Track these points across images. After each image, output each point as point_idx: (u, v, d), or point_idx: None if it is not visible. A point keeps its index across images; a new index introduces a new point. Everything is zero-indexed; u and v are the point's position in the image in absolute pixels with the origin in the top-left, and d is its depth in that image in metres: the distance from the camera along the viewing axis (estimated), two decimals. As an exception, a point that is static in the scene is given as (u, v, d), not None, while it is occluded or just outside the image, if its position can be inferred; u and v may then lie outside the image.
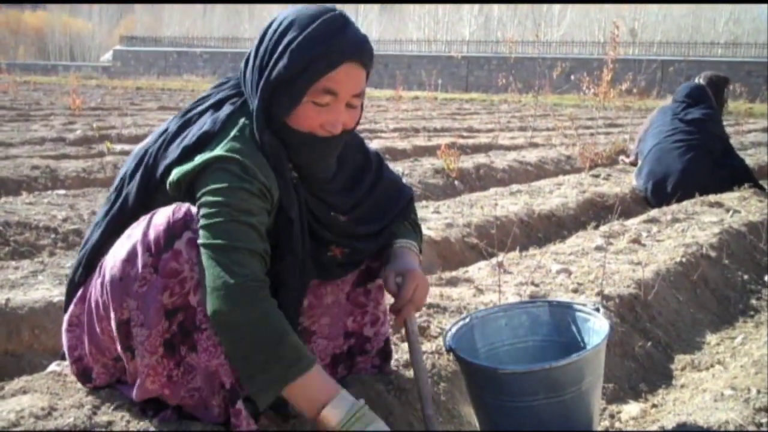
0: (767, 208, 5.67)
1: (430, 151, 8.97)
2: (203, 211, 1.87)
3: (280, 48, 1.94)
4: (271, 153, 1.97)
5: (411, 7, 65.41)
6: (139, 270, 1.86)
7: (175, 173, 1.92)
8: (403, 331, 2.42)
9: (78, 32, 74.31)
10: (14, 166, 6.15)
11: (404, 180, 6.48)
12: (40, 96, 19.22)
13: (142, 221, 1.93)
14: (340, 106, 1.99)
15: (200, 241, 1.86)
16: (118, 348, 1.96)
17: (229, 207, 1.86)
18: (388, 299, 2.34)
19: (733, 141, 7.40)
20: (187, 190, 1.93)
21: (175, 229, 1.87)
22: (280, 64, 1.93)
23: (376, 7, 69.72)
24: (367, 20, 68.02)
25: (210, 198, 1.87)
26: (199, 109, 2.06)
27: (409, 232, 2.33)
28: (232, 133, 1.95)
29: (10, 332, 2.83)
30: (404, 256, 2.25)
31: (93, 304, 2.00)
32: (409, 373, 2.52)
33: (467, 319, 2.44)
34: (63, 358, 2.27)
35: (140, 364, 1.92)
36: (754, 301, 4.13)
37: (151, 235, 1.88)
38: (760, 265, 4.66)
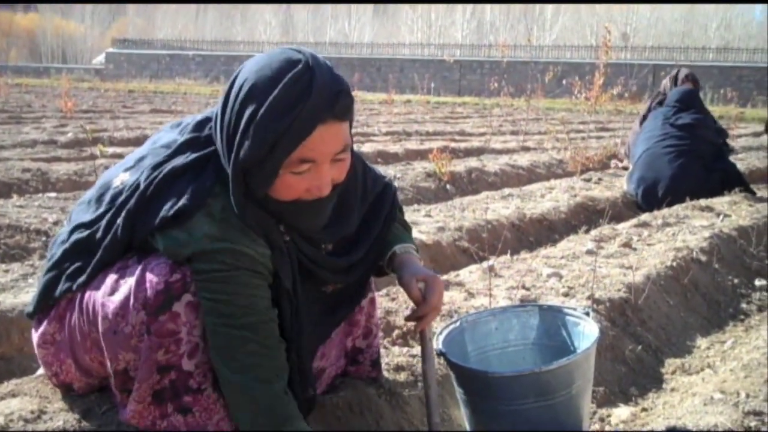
0: (757, 212, 5.69)
1: (422, 154, 8.97)
2: (203, 294, 1.81)
3: (243, 123, 1.75)
4: (257, 228, 1.85)
5: (404, 11, 65.50)
6: (134, 327, 1.82)
7: (164, 250, 1.83)
8: (418, 337, 2.37)
9: (70, 35, 74.16)
10: (5, 169, 6.13)
11: (396, 183, 6.51)
12: (32, 98, 19.18)
13: (134, 267, 1.86)
14: (322, 168, 1.82)
15: (215, 351, 1.83)
16: (114, 389, 1.94)
17: (228, 293, 1.81)
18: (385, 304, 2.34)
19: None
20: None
21: (173, 290, 1.81)
22: (246, 145, 1.75)
23: (369, 9, 69.74)
24: (359, 24, 68.07)
25: (209, 284, 1.81)
26: (176, 167, 1.87)
27: (404, 234, 2.27)
28: (217, 214, 1.81)
29: (0, 335, 2.82)
30: (413, 261, 2.19)
31: (78, 335, 1.95)
32: (400, 376, 2.52)
33: (458, 323, 2.44)
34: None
35: (129, 407, 1.90)
36: (744, 305, 4.14)
37: (148, 291, 1.80)
38: (751, 269, 4.68)
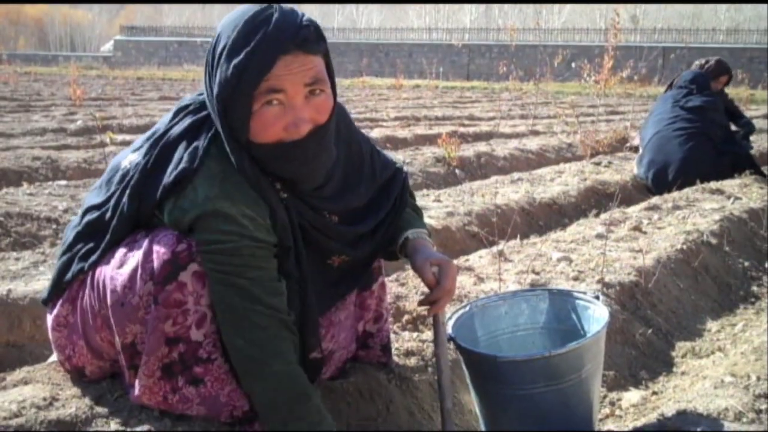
0: (768, 195, 5.66)
1: (431, 139, 8.96)
2: (210, 266, 1.83)
3: (215, 62, 1.83)
4: (255, 184, 1.87)
5: (411, -5, 65.17)
6: (141, 298, 1.84)
7: (168, 220, 1.86)
8: (431, 320, 2.35)
9: (78, 22, 74.21)
10: (15, 157, 6.14)
11: (405, 168, 6.50)
12: (41, 87, 19.21)
13: (142, 241, 1.88)
14: (296, 102, 1.82)
15: (219, 297, 1.84)
16: (123, 365, 1.96)
17: (235, 266, 1.82)
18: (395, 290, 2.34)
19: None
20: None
21: (179, 260, 1.82)
22: (218, 79, 1.81)
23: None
24: (367, 9, 67.85)
25: (214, 256, 1.82)
26: (172, 135, 1.91)
27: (416, 220, 2.25)
28: (216, 175, 1.84)
29: (12, 323, 2.83)
30: (427, 246, 2.18)
31: (89, 314, 1.97)
32: (410, 361, 2.53)
33: (467, 308, 2.44)
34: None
35: (138, 383, 1.92)
36: (754, 288, 4.13)
37: (155, 263, 1.82)
38: (761, 251, 4.66)
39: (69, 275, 2.00)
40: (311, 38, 1.82)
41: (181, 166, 1.83)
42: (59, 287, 2.05)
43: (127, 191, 1.90)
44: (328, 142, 1.94)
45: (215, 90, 1.83)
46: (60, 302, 2.06)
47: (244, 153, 1.86)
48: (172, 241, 1.83)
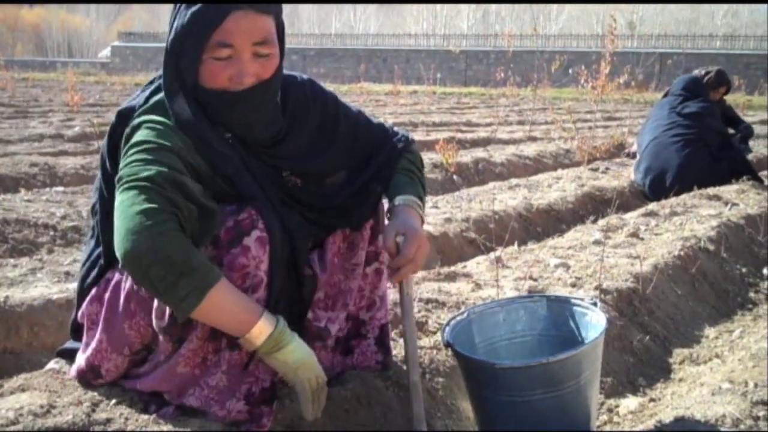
0: (766, 201, 5.67)
1: (428, 145, 8.95)
2: (125, 158, 1.87)
3: (177, 8, 1.94)
4: (183, 120, 1.93)
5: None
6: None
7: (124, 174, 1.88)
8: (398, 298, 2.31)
9: (76, 29, 74.22)
10: (12, 164, 6.14)
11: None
12: (39, 93, 19.22)
13: None
14: (243, 56, 1.92)
15: (118, 181, 1.85)
16: (166, 340, 1.96)
17: (146, 152, 1.86)
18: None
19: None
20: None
21: (243, 226, 1.90)
22: (176, 23, 1.93)
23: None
24: (365, 15, 67.94)
25: (132, 149, 1.87)
26: (128, 106, 2.06)
27: (409, 185, 2.24)
28: (152, 102, 1.98)
29: (9, 330, 2.83)
30: (405, 213, 2.16)
31: (122, 300, 2.00)
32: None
33: (465, 314, 2.44)
34: (60, 355, 2.27)
35: (184, 349, 1.95)
36: (752, 294, 4.14)
37: (221, 232, 1.90)
38: (759, 258, 4.67)
39: (95, 272, 2.09)
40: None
41: (131, 103, 2.03)
42: (82, 294, 2.13)
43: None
44: (271, 97, 2.02)
45: (172, 34, 1.94)
46: (86, 302, 2.11)
47: (191, 98, 1.95)
48: (234, 211, 1.93)
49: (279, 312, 1.94)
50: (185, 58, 1.93)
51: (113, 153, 2.01)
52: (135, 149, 1.86)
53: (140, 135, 1.89)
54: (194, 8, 1.88)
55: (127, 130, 1.94)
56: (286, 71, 2.13)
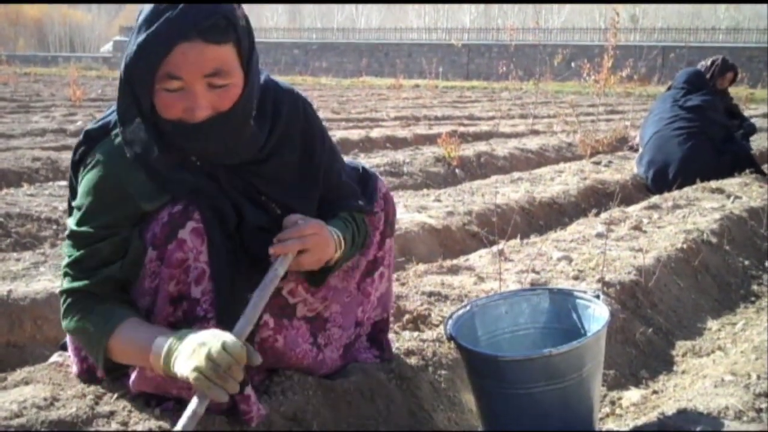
0: (768, 194, 5.66)
1: (431, 139, 8.96)
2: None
3: (132, 33, 1.84)
4: (135, 151, 1.88)
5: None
6: (147, 265, 1.90)
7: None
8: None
9: (77, 23, 74.17)
10: (15, 158, 6.15)
11: (404, 169, 6.53)
12: (41, 87, 19.22)
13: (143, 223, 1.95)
14: (194, 89, 1.80)
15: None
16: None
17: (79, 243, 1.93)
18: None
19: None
20: None
21: (176, 219, 1.88)
22: (127, 52, 1.82)
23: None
24: (367, 9, 67.86)
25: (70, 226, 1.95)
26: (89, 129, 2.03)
27: (340, 226, 2.09)
28: (113, 133, 1.94)
29: (12, 323, 2.83)
30: (321, 223, 2.01)
31: None
32: (411, 360, 2.53)
33: (468, 307, 2.45)
34: (63, 348, 2.27)
35: None
36: (755, 287, 4.13)
37: (156, 228, 1.89)
38: (761, 250, 4.66)
39: None
40: (217, 28, 1.78)
41: (87, 127, 2.02)
42: None
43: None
44: (234, 127, 1.89)
45: (122, 63, 1.84)
46: None
47: (150, 124, 1.87)
48: (168, 207, 1.90)
49: (238, 300, 1.89)
50: (138, 87, 1.83)
51: (76, 167, 2.01)
52: (70, 237, 1.94)
53: (80, 197, 1.93)
54: (140, 38, 1.76)
55: (82, 166, 1.96)
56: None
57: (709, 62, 7.28)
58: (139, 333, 1.84)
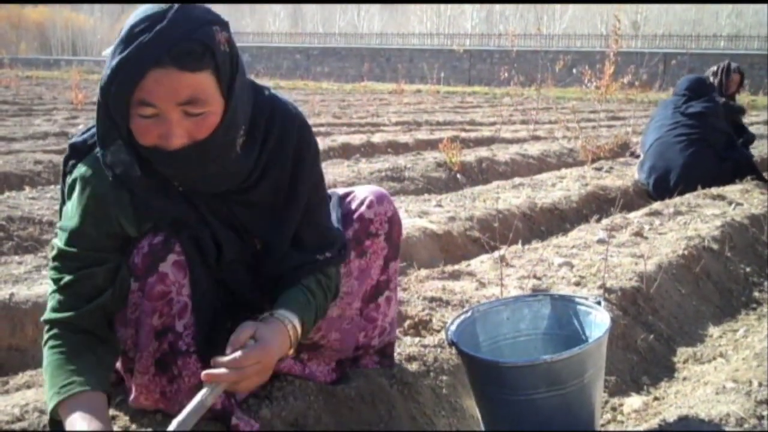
0: (769, 201, 5.67)
1: (432, 144, 8.97)
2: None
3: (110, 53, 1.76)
4: (116, 174, 1.83)
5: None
6: (129, 296, 1.88)
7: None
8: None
9: (80, 27, 74.28)
10: (17, 161, 6.16)
11: (406, 174, 6.53)
12: (43, 91, 19.24)
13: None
14: (169, 116, 1.71)
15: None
16: (121, 369, 2.01)
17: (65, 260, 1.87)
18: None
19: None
20: None
21: (157, 252, 1.85)
22: (103, 73, 1.74)
23: None
24: (369, 14, 67.95)
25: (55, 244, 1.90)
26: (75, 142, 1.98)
27: (299, 304, 1.94)
28: (88, 156, 1.89)
29: (14, 327, 2.83)
30: (275, 329, 1.84)
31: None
32: (412, 366, 2.53)
33: (469, 313, 2.45)
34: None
35: (135, 382, 1.94)
36: (756, 294, 4.13)
37: (137, 258, 1.86)
38: (763, 257, 4.66)
39: None
40: (193, 54, 1.68)
41: (73, 140, 1.96)
42: None
43: None
44: (214, 156, 1.82)
45: (99, 84, 1.77)
46: None
47: (130, 146, 1.81)
48: (149, 236, 1.86)
49: (220, 333, 1.85)
50: (114, 111, 1.75)
51: (65, 179, 1.98)
52: (59, 258, 1.88)
53: (68, 217, 1.88)
54: (114, 62, 1.68)
55: (68, 178, 1.92)
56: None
57: (714, 68, 7.34)
58: (76, 418, 1.70)
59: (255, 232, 1.99)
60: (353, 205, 2.27)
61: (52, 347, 1.82)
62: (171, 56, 1.66)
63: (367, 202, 2.26)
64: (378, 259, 2.28)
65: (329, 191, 2.25)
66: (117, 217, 1.86)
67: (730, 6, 58.02)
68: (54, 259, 1.89)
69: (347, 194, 2.31)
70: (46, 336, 1.85)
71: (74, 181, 1.88)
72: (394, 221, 2.30)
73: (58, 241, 1.88)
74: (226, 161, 1.84)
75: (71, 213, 1.87)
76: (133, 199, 1.85)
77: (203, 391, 1.69)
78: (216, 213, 1.92)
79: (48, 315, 1.86)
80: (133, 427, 1.93)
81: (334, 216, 2.19)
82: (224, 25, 1.78)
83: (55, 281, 1.87)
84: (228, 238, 1.93)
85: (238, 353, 1.73)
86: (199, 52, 1.69)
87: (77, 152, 1.93)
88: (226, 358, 1.72)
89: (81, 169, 1.88)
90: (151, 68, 1.66)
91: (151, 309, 1.85)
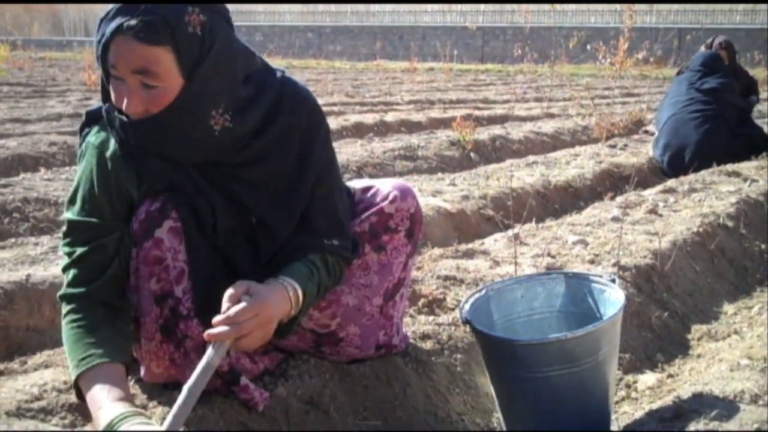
0: (785, 177, 5.63)
1: (445, 123, 8.93)
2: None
3: None
4: (122, 141, 1.92)
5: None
6: (131, 264, 1.93)
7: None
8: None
9: (92, 8, 74.20)
10: (32, 143, 6.17)
11: (419, 153, 6.52)
12: (56, 72, 19.24)
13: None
14: (129, 83, 1.81)
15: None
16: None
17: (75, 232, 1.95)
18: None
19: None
20: None
21: (153, 218, 1.90)
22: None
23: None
24: (381, -9, 67.55)
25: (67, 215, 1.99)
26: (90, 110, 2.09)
27: (302, 276, 1.97)
28: (100, 122, 1.99)
29: (32, 308, 2.85)
30: (275, 289, 1.89)
31: None
32: (426, 344, 2.54)
33: (483, 291, 2.45)
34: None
35: (143, 350, 1.97)
36: (771, 271, 4.12)
37: (135, 225, 1.91)
38: (778, 234, 4.64)
39: None
40: (151, 27, 1.76)
41: (89, 109, 2.07)
42: None
43: None
44: (174, 131, 1.88)
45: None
46: None
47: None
48: (146, 203, 1.92)
49: (218, 299, 1.84)
50: (104, 73, 1.90)
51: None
52: (71, 229, 1.96)
53: (77, 186, 1.99)
54: (100, 27, 1.83)
55: (82, 143, 2.01)
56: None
57: (709, 41, 7.30)
58: (95, 390, 1.78)
59: (254, 211, 2.01)
60: (377, 199, 2.24)
61: (71, 321, 1.90)
62: (129, 26, 1.76)
63: (390, 197, 2.22)
64: (400, 256, 2.25)
65: (348, 184, 2.27)
66: (124, 182, 1.93)
67: (746, -20, 57.37)
68: (65, 234, 1.97)
69: (368, 188, 2.28)
70: (64, 311, 1.93)
71: (86, 147, 1.98)
72: (416, 219, 2.26)
73: (69, 214, 1.96)
74: (190, 139, 1.90)
75: (82, 177, 1.96)
76: (132, 163, 1.93)
77: (208, 352, 1.74)
78: (213, 183, 1.97)
79: (65, 290, 1.94)
80: (152, 404, 1.95)
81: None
82: (207, 10, 1.84)
83: (69, 254, 1.94)
84: (224, 209, 1.97)
85: (233, 309, 1.78)
86: (157, 27, 1.77)
87: (91, 119, 2.03)
88: (222, 316, 1.77)
89: (92, 135, 1.98)
90: (116, 35, 1.78)
91: (148, 273, 1.89)
